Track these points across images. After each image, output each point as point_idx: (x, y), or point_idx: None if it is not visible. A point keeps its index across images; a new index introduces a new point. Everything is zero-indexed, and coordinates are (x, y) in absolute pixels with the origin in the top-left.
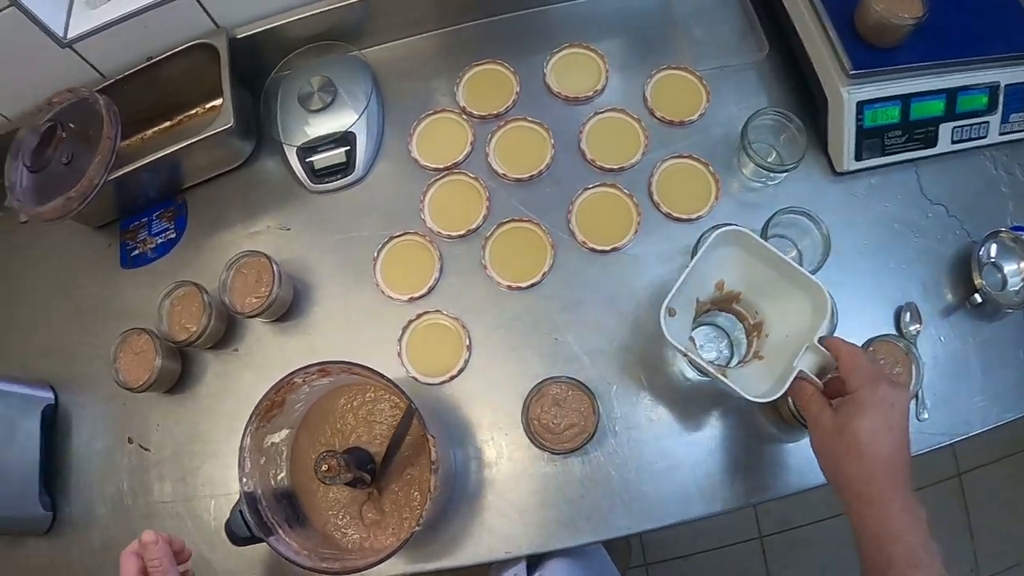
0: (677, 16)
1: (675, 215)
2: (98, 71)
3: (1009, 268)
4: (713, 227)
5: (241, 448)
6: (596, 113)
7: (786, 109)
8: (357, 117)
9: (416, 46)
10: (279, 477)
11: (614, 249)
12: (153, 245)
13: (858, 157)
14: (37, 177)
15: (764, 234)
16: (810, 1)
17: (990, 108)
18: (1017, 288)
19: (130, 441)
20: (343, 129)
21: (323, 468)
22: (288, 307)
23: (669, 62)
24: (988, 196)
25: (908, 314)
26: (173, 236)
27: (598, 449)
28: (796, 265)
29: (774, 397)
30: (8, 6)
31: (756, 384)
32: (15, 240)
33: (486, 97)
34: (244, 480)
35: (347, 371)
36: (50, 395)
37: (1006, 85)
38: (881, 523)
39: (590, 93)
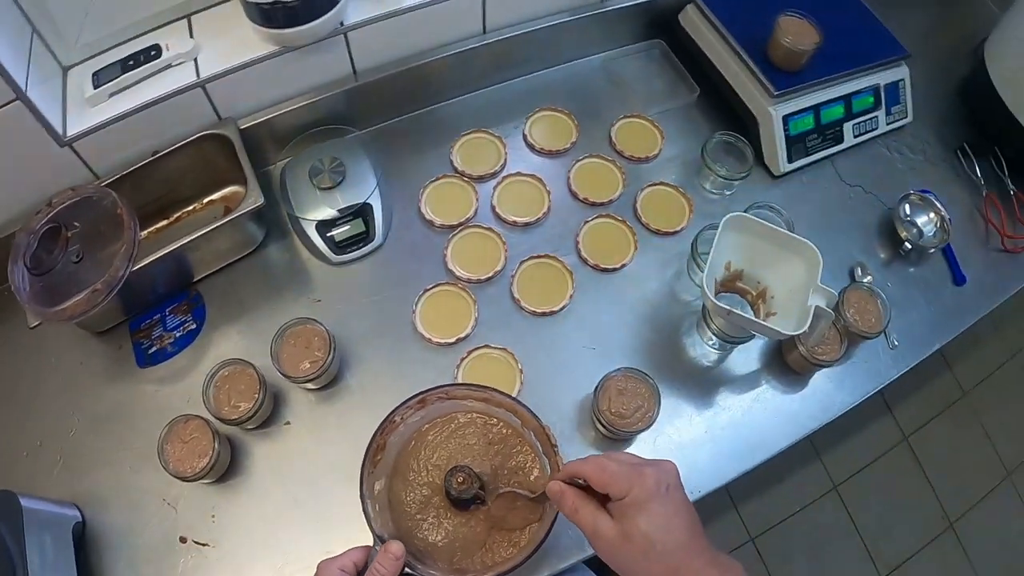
0: (617, 76)
1: (662, 231)
2: (92, 170)
3: (921, 220)
4: (705, 226)
5: (361, 495)
6: (576, 160)
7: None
8: (373, 189)
9: (403, 126)
10: (388, 525)
11: (622, 266)
12: (171, 339)
13: (790, 160)
14: (43, 280)
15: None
16: (728, 45)
17: (876, 105)
18: (932, 232)
19: (183, 540)
20: (360, 201)
21: (458, 480)
22: (337, 373)
23: (623, 112)
24: (890, 173)
25: (859, 269)
26: (193, 327)
27: (658, 426)
28: (789, 232)
29: (804, 328)
30: (14, 99)
31: (785, 329)
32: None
33: (479, 160)
34: (373, 525)
35: (442, 396)
36: (76, 513)
37: (884, 85)
38: None
39: (567, 146)
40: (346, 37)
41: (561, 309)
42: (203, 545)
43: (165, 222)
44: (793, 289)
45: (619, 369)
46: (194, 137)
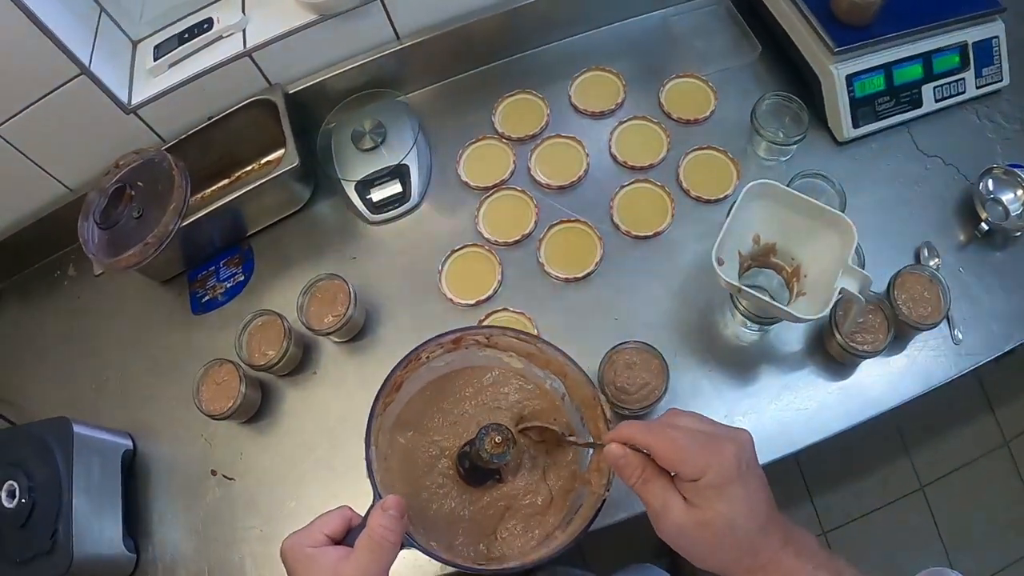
0: (676, 33)
1: (704, 198)
2: (158, 134)
3: (1007, 198)
4: None
5: (367, 439)
6: (620, 123)
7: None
8: (409, 150)
9: (449, 88)
10: (387, 480)
11: (656, 234)
12: (223, 290)
13: (856, 125)
14: (108, 233)
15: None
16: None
17: (963, 65)
18: (1019, 212)
19: (213, 473)
20: (396, 163)
21: (495, 441)
22: (360, 328)
23: (677, 71)
24: (977, 143)
25: (925, 250)
26: (242, 279)
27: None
28: (820, 204)
29: (820, 315)
30: (79, 75)
31: (805, 313)
32: (81, 304)
33: (521, 122)
34: (374, 474)
35: (481, 342)
36: (128, 442)
37: (973, 43)
38: None
39: (612, 107)
40: (383, 2)
41: (586, 276)
42: (230, 480)
43: (226, 181)
44: (825, 268)
45: (630, 341)
46: (244, 103)
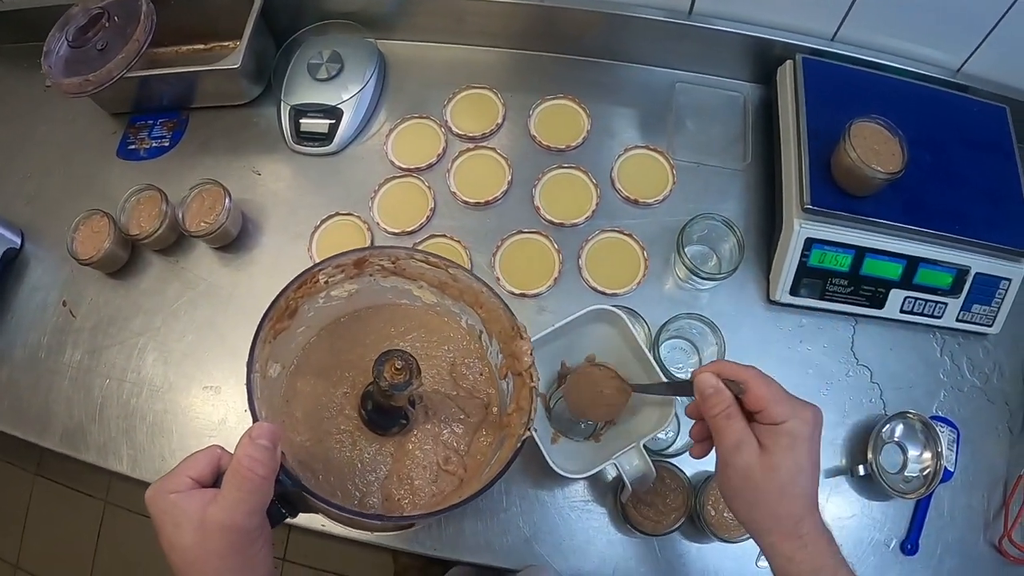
0: (676, 104)
1: (593, 285)
2: None
3: (912, 452)
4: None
5: (249, 363)
6: (560, 166)
7: (748, 224)
8: (348, 97)
9: (430, 52)
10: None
11: (523, 295)
12: (148, 146)
13: (794, 292)
14: (72, 53)
15: (661, 330)
16: (797, 130)
17: (953, 290)
18: (914, 475)
19: (64, 304)
20: (334, 104)
21: (396, 366)
22: (232, 240)
23: (649, 142)
24: (922, 377)
25: None
26: (167, 145)
27: None
28: (656, 364)
29: (576, 476)
30: None
31: (575, 460)
32: (42, 98)
33: (471, 119)
34: (256, 403)
35: (386, 267)
36: (17, 240)
37: (977, 273)
38: (814, 562)
39: (563, 147)
40: None
41: None
42: (72, 316)
43: (203, 46)
44: (632, 431)
45: None
46: None
